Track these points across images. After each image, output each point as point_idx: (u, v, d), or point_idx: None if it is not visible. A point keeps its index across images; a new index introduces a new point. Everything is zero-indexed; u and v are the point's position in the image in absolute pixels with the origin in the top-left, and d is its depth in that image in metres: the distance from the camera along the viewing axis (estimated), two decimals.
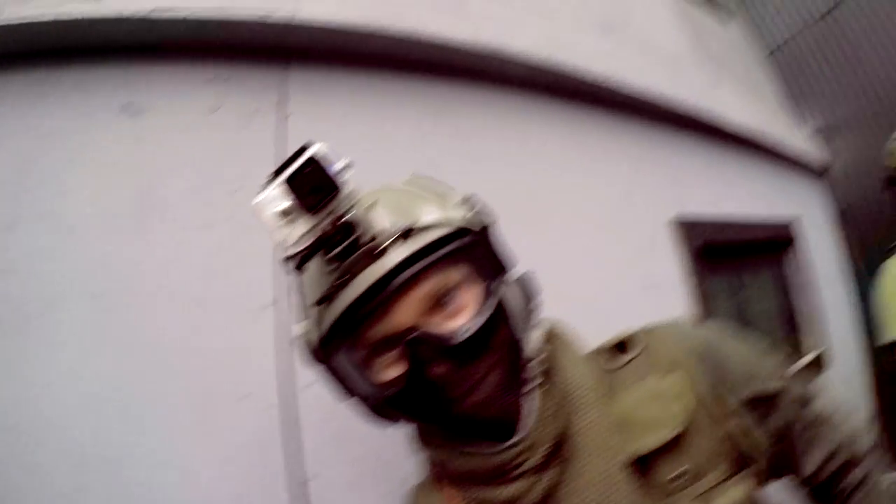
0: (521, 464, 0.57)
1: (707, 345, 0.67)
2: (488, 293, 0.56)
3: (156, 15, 0.99)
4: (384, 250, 0.52)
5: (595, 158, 1.81)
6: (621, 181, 1.87)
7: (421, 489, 0.71)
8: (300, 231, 0.48)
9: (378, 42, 1.28)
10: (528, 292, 0.61)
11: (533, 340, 0.63)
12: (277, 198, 0.47)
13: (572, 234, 1.59)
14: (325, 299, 0.53)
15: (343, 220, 0.48)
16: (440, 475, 0.67)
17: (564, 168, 1.69)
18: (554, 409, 0.59)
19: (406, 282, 0.52)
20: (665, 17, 2.98)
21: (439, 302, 0.54)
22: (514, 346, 0.58)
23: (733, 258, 2.50)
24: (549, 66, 1.63)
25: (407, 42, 1.31)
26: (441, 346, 0.52)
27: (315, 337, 0.57)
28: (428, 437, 0.66)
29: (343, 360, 0.58)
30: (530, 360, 0.62)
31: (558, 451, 0.58)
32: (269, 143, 1.14)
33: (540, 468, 0.58)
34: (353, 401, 0.61)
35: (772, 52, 4.72)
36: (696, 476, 0.58)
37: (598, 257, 1.63)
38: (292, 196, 0.47)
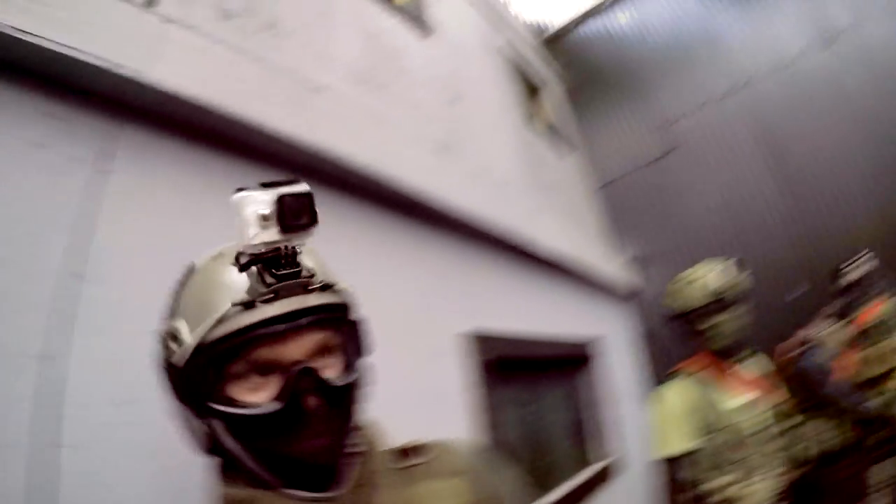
0: None
1: (485, 462, 0.79)
2: (356, 362, 0.66)
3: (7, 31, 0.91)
4: (312, 290, 0.59)
5: (401, 265, 1.88)
6: (424, 290, 1.94)
7: None
8: (268, 238, 0.54)
9: (216, 121, 1.28)
10: (369, 377, 0.69)
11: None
12: (262, 203, 0.53)
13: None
14: (248, 305, 0.57)
15: (299, 250, 0.57)
16: None
17: (370, 268, 1.72)
18: (368, 477, 0.66)
19: (315, 322, 0.59)
20: (505, 144, 3.31)
21: (322, 352, 0.61)
22: (357, 413, 0.65)
23: (527, 372, 2.67)
24: (372, 173, 1.71)
25: (245, 127, 1.33)
26: (323, 384, 0.58)
27: (192, 338, 0.59)
28: (237, 475, 0.63)
29: (211, 368, 0.59)
30: (360, 430, 0.68)
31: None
32: (75, 195, 1.05)
33: None
34: (187, 414, 0.62)
35: (603, 187, 5.38)
36: None
37: (387, 363, 1.63)
38: (277, 209, 0.53)
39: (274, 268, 0.56)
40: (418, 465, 0.73)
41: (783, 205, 4.79)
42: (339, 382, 0.61)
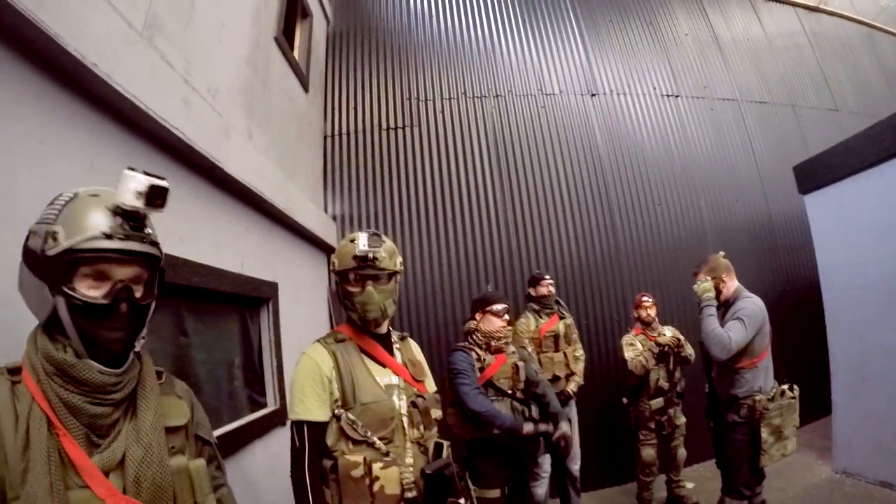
0: (114, 391, 0.97)
1: (189, 392, 1.22)
2: (152, 295, 1.05)
3: None
4: (145, 242, 1.00)
5: (52, 149, 1.59)
6: (65, 181, 1.67)
7: None
8: (136, 204, 0.95)
9: None
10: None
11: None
12: (140, 184, 0.94)
13: None
14: (108, 236, 0.94)
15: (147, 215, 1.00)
16: (36, 371, 0.93)
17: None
18: (141, 377, 1.05)
19: (140, 261, 1.00)
20: (236, 52, 3.05)
21: (137, 280, 1.00)
22: (144, 326, 1.04)
23: (202, 303, 2.50)
24: (38, 24, 1.39)
25: None
26: (132, 298, 0.98)
27: (67, 242, 0.92)
28: (58, 341, 0.96)
29: (70, 264, 0.93)
30: (143, 338, 1.06)
31: (133, 400, 1.02)
32: None
33: (119, 403, 0.99)
34: (42, 290, 0.94)
35: (330, 136, 5.44)
36: (182, 450, 1.09)
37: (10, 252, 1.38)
38: (147, 192, 0.95)
39: (132, 221, 0.97)
40: (162, 383, 1.12)
41: (499, 202, 5.42)
42: (141, 302, 1.00)
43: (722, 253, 3.18)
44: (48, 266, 0.92)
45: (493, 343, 2.84)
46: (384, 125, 5.62)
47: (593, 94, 6.02)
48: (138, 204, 0.94)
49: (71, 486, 0.87)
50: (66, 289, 0.92)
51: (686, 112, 6.30)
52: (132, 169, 0.95)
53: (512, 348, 2.96)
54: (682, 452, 4.17)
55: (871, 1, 8.81)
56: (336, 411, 1.61)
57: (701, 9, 7.13)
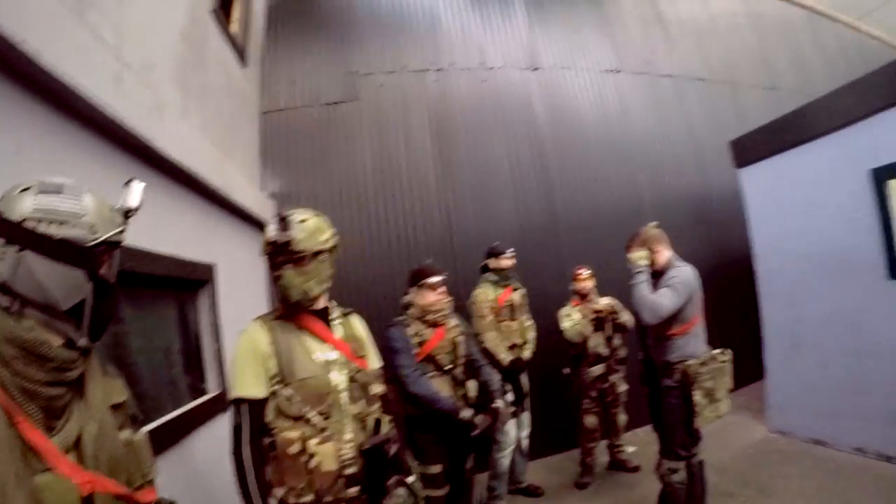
0: (73, 367, 1.00)
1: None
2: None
3: None
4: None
5: None
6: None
7: None
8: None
9: None
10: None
11: None
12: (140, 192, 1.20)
13: None
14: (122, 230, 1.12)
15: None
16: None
17: None
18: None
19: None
20: (172, 27, 2.94)
21: None
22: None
23: (136, 288, 2.44)
24: None
25: None
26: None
27: (104, 234, 1.05)
28: (24, 319, 0.97)
29: (98, 254, 1.05)
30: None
31: (79, 380, 1.04)
32: None
33: (72, 383, 1.01)
34: (74, 272, 1.01)
35: (267, 113, 5.29)
36: (124, 425, 1.16)
37: None
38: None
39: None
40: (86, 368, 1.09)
41: (438, 181, 5.45)
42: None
43: (654, 223, 3.27)
44: (87, 255, 1.02)
45: (429, 317, 2.85)
46: (323, 100, 5.50)
47: (535, 69, 6.09)
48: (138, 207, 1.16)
49: (36, 470, 0.89)
50: (100, 275, 1.05)
51: (627, 87, 6.45)
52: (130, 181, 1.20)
53: (454, 321, 2.97)
54: (622, 418, 4.42)
55: None
56: (274, 388, 1.63)
57: None
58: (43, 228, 0.97)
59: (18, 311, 0.96)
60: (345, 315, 1.91)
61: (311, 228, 1.73)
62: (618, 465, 4.53)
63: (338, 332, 1.82)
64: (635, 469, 4.43)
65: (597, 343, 4.26)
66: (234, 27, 4.40)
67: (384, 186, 5.36)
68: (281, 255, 1.69)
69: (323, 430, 1.62)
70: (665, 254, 3.14)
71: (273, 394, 1.63)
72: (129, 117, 2.18)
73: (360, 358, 1.83)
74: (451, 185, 5.48)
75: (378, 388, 1.83)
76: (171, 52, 2.92)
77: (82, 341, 1.02)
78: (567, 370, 4.45)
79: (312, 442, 1.59)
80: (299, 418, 1.61)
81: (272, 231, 1.69)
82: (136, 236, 2.31)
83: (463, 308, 3.95)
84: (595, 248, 5.54)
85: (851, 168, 4.05)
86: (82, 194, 1.05)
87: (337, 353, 1.75)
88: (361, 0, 5.97)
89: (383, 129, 5.53)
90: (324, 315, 1.81)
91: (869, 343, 3.97)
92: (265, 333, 1.69)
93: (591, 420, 4.37)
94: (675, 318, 2.96)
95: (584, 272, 4.41)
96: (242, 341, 1.69)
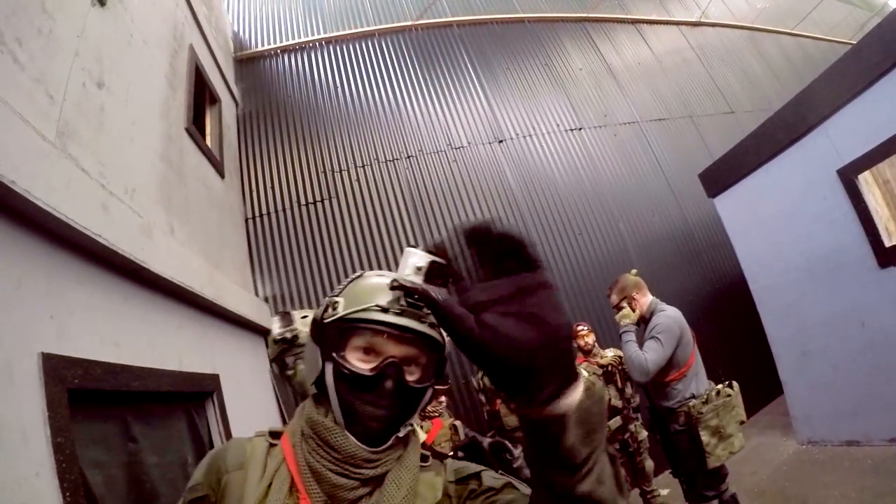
0: (366, 466, 0.90)
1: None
2: (427, 380, 0.96)
3: None
4: (423, 322, 0.93)
5: None
6: None
7: (252, 441, 1.00)
8: (415, 280, 0.76)
9: None
10: (427, 394, 0.99)
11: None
12: (420, 259, 0.79)
13: None
14: (384, 309, 0.92)
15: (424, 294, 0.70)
16: (294, 435, 0.97)
17: None
18: (397, 456, 0.96)
19: (414, 340, 0.93)
20: (148, 149, 3.01)
21: (409, 361, 0.94)
22: (412, 411, 0.96)
23: (132, 406, 2.30)
24: None
25: None
26: (400, 377, 0.91)
27: (343, 311, 0.94)
28: (321, 406, 0.97)
29: (344, 333, 0.94)
30: (409, 425, 0.98)
31: (381, 479, 0.92)
32: None
33: (368, 480, 0.91)
34: (316, 354, 0.97)
35: (251, 219, 5.38)
36: None
37: None
38: (427, 268, 0.77)
39: (409, 297, 0.90)
40: (426, 466, 1.01)
41: None
42: (410, 383, 0.92)
43: (633, 271, 3.31)
44: (323, 332, 0.96)
45: (426, 412, 2.91)
46: (302, 200, 5.65)
47: (500, 141, 6.36)
48: (417, 280, 0.85)
49: None
50: (335, 355, 0.93)
51: (591, 142, 6.72)
52: (413, 246, 1.08)
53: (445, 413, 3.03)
54: (649, 464, 4.28)
55: (747, 6, 9.89)
56: None
57: (591, 42, 7.74)
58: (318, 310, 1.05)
59: (318, 396, 0.99)
60: None
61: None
62: None
63: None
64: None
65: (610, 395, 4.19)
66: (209, 141, 4.54)
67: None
68: (289, 352, 1.65)
69: None
70: (645, 300, 3.15)
71: None
72: (119, 242, 2.19)
73: None
74: None
75: None
76: (152, 174, 2.98)
77: (349, 438, 0.91)
78: None
79: None
80: None
81: (277, 329, 1.66)
82: (140, 356, 2.32)
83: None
84: (589, 303, 5.58)
85: (818, 173, 4.19)
86: (358, 278, 1.02)
87: None
88: (326, 99, 6.26)
89: (363, 219, 5.67)
90: None
91: (874, 334, 3.97)
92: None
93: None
94: (669, 365, 2.94)
95: (583, 328, 4.39)
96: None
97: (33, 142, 1.75)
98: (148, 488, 2.20)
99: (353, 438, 0.90)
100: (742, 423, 2.99)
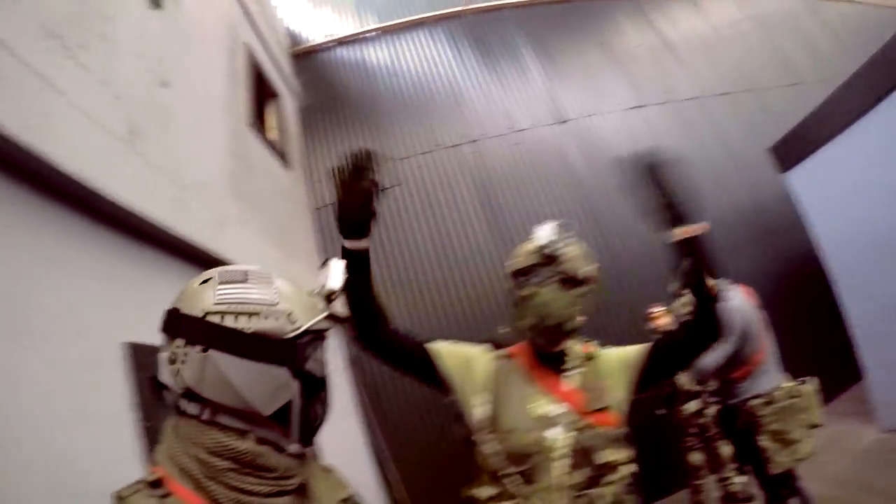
0: (295, 474, 0.87)
1: None
2: None
3: None
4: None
5: (53, 260, 1.58)
6: (82, 293, 1.64)
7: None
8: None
9: None
10: None
11: None
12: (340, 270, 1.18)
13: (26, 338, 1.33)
14: (327, 316, 0.97)
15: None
16: (188, 476, 0.80)
17: (7, 259, 1.42)
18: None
19: None
20: (214, 145, 3.10)
21: None
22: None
23: None
24: (22, 144, 1.41)
25: None
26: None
27: (306, 322, 0.90)
28: (230, 431, 0.83)
29: (301, 346, 0.88)
30: None
31: (304, 488, 0.90)
32: None
33: (297, 489, 0.88)
34: (270, 378, 0.86)
35: (320, 209, 5.49)
36: None
37: (34, 372, 1.36)
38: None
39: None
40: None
41: (493, 250, 5.45)
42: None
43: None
44: (288, 349, 0.85)
45: None
46: None
47: (563, 122, 6.14)
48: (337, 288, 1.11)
49: None
50: (305, 369, 0.88)
51: (654, 120, 6.39)
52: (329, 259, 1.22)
53: None
54: (725, 450, 4.07)
55: None
56: (480, 435, 1.39)
57: (646, 18, 7.31)
58: (230, 322, 0.82)
59: (209, 419, 0.82)
60: (588, 359, 1.50)
61: (580, 251, 1.52)
62: (731, 498, 4.10)
63: (572, 381, 1.44)
64: (749, 499, 4.00)
65: (685, 380, 3.99)
66: (272, 134, 4.65)
67: (440, 263, 5.41)
68: (544, 267, 1.45)
69: (518, 497, 1.31)
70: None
71: (475, 442, 1.39)
72: (194, 234, 2.27)
73: (596, 413, 1.38)
74: (505, 250, 5.38)
75: (608, 455, 1.34)
76: (221, 168, 3.07)
77: (292, 447, 0.86)
78: (662, 411, 4.24)
79: None
80: (497, 476, 1.34)
81: (544, 236, 1.48)
82: None
83: None
84: (661, 284, 5.30)
85: None
86: (272, 280, 0.90)
87: (564, 407, 1.39)
88: (386, 89, 6.25)
89: (430, 207, 5.65)
90: (557, 361, 1.48)
91: None
92: (490, 362, 1.49)
93: (695, 457, 4.09)
94: (734, 360, 2.70)
95: (658, 310, 4.21)
96: (456, 350, 1.50)
97: (105, 141, 1.82)
98: None
99: (282, 453, 0.86)
100: (814, 426, 2.65)
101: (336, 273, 1.13)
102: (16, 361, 1.28)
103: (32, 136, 1.43)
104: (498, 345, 2.65)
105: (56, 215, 1.61)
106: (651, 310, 4.23)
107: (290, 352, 0.85)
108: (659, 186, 1.41)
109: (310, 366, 0.89)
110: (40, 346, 1.40)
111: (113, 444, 1.58)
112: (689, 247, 1.38)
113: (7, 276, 1.35)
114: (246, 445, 0.82)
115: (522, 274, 1.49)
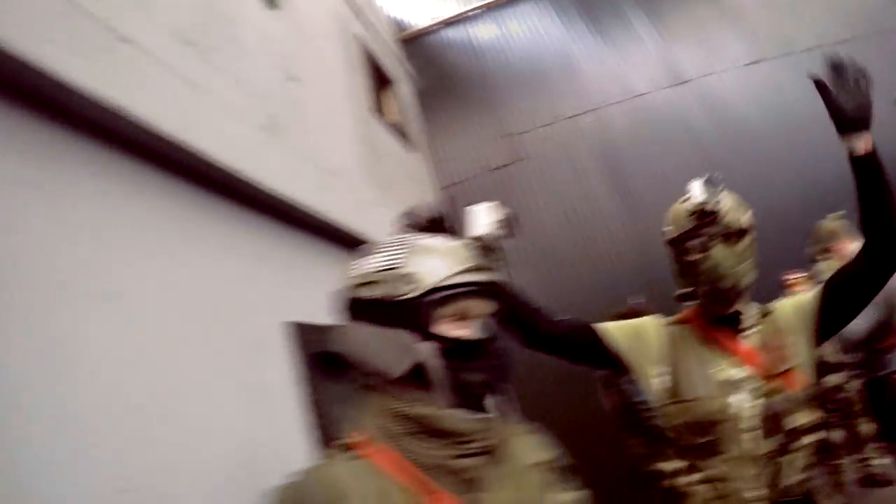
0: (480, 438, 0.82)
1: None
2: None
3: None
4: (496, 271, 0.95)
5: (216, 248, 1.70)
6: (243, 277, 1.76)
7: (332, 466, 0.83)
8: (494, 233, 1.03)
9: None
10: None
11: None
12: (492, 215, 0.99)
13: (171, 322, 1.44)
14: (469, 270, 0.84)
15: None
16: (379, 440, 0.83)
17: (179, 249, 1.54)
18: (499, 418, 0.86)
19: (492, 292, 0.87)
20: (343, 132, 3.20)
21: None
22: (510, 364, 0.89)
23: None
24: (181, 142, 1.51)
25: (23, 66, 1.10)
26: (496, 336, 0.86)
27: (432, 280, 0.81)
28: (406, 395, 0.83)
29: (428, 307, 0.81)
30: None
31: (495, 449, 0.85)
32: None
33: (485, 451, 0.83)
34: (396, 342, 0.82)
35: (446, 188, 5.51)
36: (550, 486, 0.95)
37: (203, 353, 1.49)
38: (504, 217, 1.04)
39: (484, 254, 0.93)
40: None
41: (621, 219, 5.22)
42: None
43: (834, 215, 2.77)
44: (409, 311, 0.83)
45: None
46: (491, 166, 5.64)
47: (681, 83, 5.61)
48: (490, 233, 0.97)
49: None
50: (434, 331, 0.83)
51: (775, 74, 5.60)
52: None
53: None
54: (866, 427, 3.46)
55: None
56: (661, 407, 1.33)
57: None
58: (358, 293, 0.85)
59: (382, 388, 0.85)
60: (764, 315, 1.37)
61: (734, 201, 1.39)
62: (870, 480, 3.42)
63: (751, 341, 1.32)
64: (890, 482, 3.32)
65: (828, 350, 3.42)
66: (394, 119, 4.74)
67: (568, 235, 5.25)
68: (706, 226, 1.32)
69: (705, 470, 1.24)
70: (847, 249, 2.55)
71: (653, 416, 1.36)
72: (338, 216, 2.37)
73: (782, 374, 1.26)
74: (635, 219, 5.12)
75: (800, 419, 1.23)
76: (352, 154, 3.17)
77: (457, 413, 0.84)
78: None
79: (682, 479, 1.28)
80: (682, 449, 1.29)
81: (700, 193, 1.35)
82: None
83: None
84: (797, 250, 4.62)
85: None
86: (405, 245, 0.88)
87: (747, 370, 1.28)
88: (496, 65, 6.11)
89: (555, 179, 5.48)
90: (733, 321, 1.34)
91: None
92: (662, 331, 1.40)
93: (835, 435, 3.47)
94: (883, 329, 2.48)
95: (796, 276, 3.64)
96: (624, 325, 1.42)
97: (249, 134, 1.91)
98: None
99: (460, 413, 0.82)
100: None
101: (478, 220, 1.04)
102: (184, 342, 1.38)
103: (188, 134, 1.53)
104: (636, 313, 2.43)
105: (213, 205, 1.73)
106: (787, 276, 3.72)
107: (411, 313, 0.82)
108: (850, 89, 1.28)
109: (441, 328, 0.82)
110: (207, 328, 1.51)
111: (281, 417, 1.69)
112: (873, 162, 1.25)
113: (176, 264, 1.46)
114: (427, 410, 0.82)
115: (684, 239, 1.36)
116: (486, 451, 0.85)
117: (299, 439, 1.78)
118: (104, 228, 1.32)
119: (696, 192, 1.35)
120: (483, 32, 6.37)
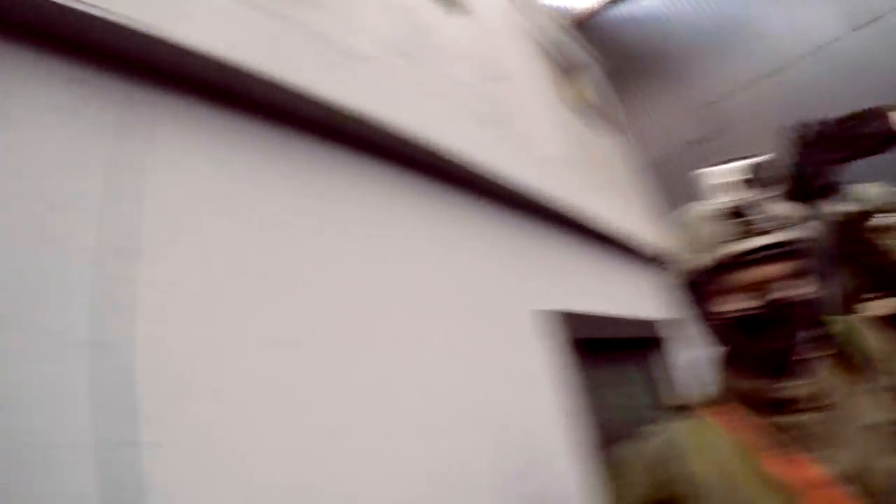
0: (807, 403, 0.81)
1: None
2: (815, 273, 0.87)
3: None
4: (769, 229, 0.83)
5: (463, 240, 1.77)
6: (492, 267, 1.83)
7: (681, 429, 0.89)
8: (738, 195, 0.87)
9: (256, 85, 1.20)
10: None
11: None
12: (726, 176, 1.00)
13: (433, 317, 1.51)
14: (731, 241, 0.82)
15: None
16: (729, 398, 0.87)
17: (426, 248, 1.61)
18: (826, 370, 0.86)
19: (773, 250, 0.81)
20: (545, 123, 3.16)
21: (779, 277, 0.81)
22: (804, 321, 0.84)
23: (608, 353, 2.49)
24: (424, 144, 1.61)
25: (280, 90, 1.24)
26: (779, 300, 0.80)
27: (703, 260, 0.85)
28: (736, 368, 0.87)
29: (709, 284, 0.85)
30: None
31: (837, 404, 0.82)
32: (102, 163, 0.95)
33: (816, 409, 0.81)
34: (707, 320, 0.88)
35: (651, 166, 5.16)
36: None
37: (459, 343, 1.53)
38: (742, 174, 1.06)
39: (742, 216, 0.84)
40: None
41: None
42: (790, 298, 0.80)
43: None
44: (698, 290, 0.89)
45: None
46: (692, 138, 5.17)
47: (869, 23, 4.58)
48: (740, 194, 0.90)
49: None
50: (716, 308, 0.86)
51: None
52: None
53: None
54: None
55: None
56: None
57: None
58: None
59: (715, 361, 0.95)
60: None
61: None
62: None
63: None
64: None
65: None
66: (588, 103, 4.61)
67: None
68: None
69: None
70: None
71: None
72: (564, 202, 2.35)
73: None
74: None
75: None
76: (559, 142, 3.14)
77: (790, 391, 0.83)
78: None
79: None
80: None
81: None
82: (616, 306, 2.37)
83: None
84: None
85: None
86: (689, 228, 0.94)
87: None
88: (672, 35, 5.63)
89: (750, 146, 4.76)
90: None
91: None
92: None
93: None
94: None
95: None
96: None
97: (469, 126, 1.95)
98: (616, 428, 2.31)
99: (777, 384, 0.82)
100: None
101: (717, 183, 1.06)
102: (421, 337, 1.42)
103: (428, 132, 1.62)
104: None
105: (448, 198, 1.80)
106: None
107: (692, 293, 0.91)
108: None
109: (725, 304, 0.84)
110: (450, 321, 1.55)
111: (541, 400, 1.70)
112: None
113: (404, 259, 1.51)
114: (747, 384, 0.86)
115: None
116: (819, 409, 0.82)
117: (562, 426, 1.79)
118: (374, 233, 1.44)
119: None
120: (648, 5, 5.90)
